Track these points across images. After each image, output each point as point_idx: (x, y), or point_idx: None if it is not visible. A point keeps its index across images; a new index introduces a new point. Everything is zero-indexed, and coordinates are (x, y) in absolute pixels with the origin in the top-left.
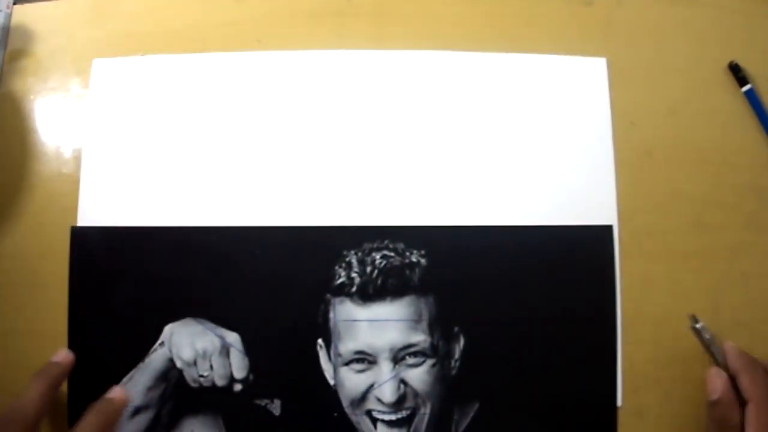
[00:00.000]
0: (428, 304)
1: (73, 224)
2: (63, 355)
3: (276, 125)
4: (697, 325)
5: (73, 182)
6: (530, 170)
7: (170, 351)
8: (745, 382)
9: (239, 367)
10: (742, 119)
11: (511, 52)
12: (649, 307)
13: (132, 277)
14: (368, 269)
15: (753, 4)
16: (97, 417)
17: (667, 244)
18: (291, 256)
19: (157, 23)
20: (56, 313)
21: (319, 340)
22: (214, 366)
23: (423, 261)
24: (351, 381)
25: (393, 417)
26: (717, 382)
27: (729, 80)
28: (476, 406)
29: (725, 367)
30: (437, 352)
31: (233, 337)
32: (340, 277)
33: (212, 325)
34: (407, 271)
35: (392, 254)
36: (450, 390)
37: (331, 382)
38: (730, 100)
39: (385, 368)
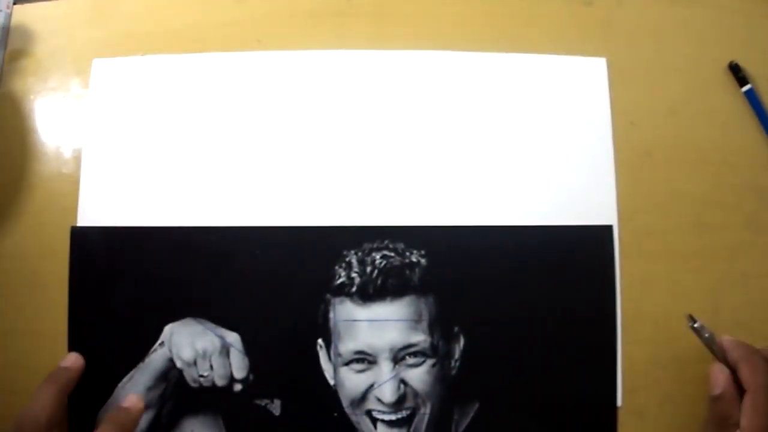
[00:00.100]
0: (428, 304)
1: (73, 224)
2: (72, 359)
3: (276, 125)
4: (695, 325)
5: (73, 182)
6: (530, 170)
7: (170, 351)
8: (745, 372)
9: (239, 367)
10: (742, 119)
11: (511, 52)
12: (649, 307)
13: (132, 277)
14: (368, 269)
15: (753, 4)
16: (113, 427)
17: (667, 244)
18: (291, 256)
19: (157, 23)
20: (56, 313)
21: (319, 340)
22: (214, 366)
23: (423, 261)
24: (351, 381)
25: (393, 417)
26: (719, 377)
27: (729, 80)
28: (476, 406)
29: (726, 363)
30: (437, 352)
31: (233, 337)
32: (340, 277)
33: (212, 325)
34: (407, 271)
35: (392, 254)
36: (450, 390)
37: (331, 382)
38: (730, 100)
39: (385, 368)
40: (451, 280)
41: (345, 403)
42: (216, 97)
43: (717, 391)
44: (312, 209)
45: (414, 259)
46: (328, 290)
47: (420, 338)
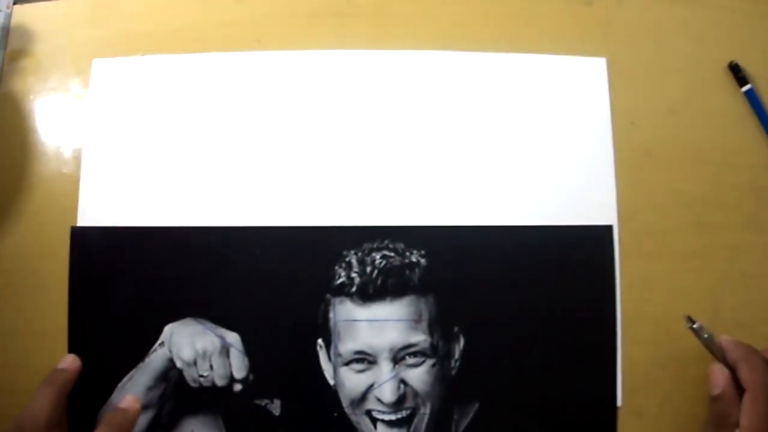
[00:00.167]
0: (428, 304)
1: (73, 224)
2: (69, 361)
3: (276, 125)
4: (694, 326)
5: (73, 182)
6: (530, 170)
7: (170, 351)
8: (744, 372)
9: (239, 367)
10: (742, 119)
11: (511, 52)
12: (649, 307)
13: (132, 277)
14: (368, 269)
15: (753, 4)
16: (111, 428)
17: (667, 244)
18: (291, 256)
19: (157, 23)
20: (56, 313)
21: (319, 340)
22: (214, 366)
23: (423, 261)
24: (351, 381)
25: (393, 417)
26: (719, 377)
27: (729, 80)
28: (476, 406)
29: (725, 363)
30: (437, 352)
31: (233, 337)
32: (340, 277)
33: (212, 325)
34: (407, 271)
35: (392, 254)
36: (450, 390)
37: (331, 382)
38: (730, 100)
39: (385, 368)
40: (451, 280)
41: (345, 403)
42: (216, 97)
43: (716, 391)
44: (312, 209)
45: (414, 259)
46: (328, 290)
47: (420, 338)
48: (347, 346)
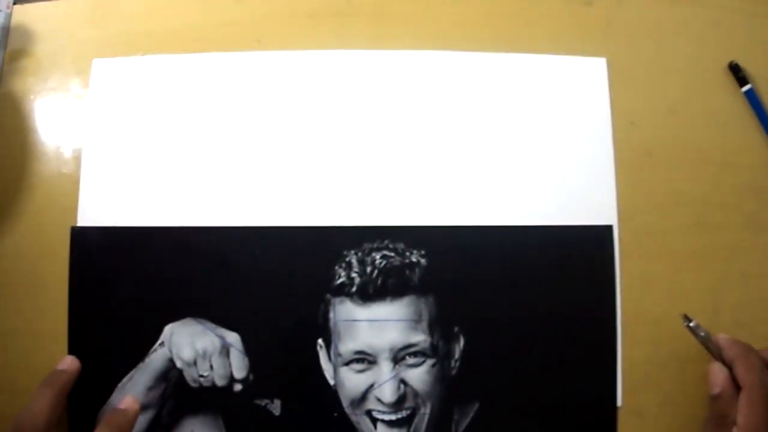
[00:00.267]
0: (428, 304)
1: (73, 224)
2: (68, 362)
3: (276, 125)
4: (691, 324)
5: (73, 182)
6: (530, 170)
7: (170, 351)
8: (741, 370)
9: (239, 367)
10: (742, 119)
11: (511, 52)
12: (649, 307)
13: (132, 277)
14: (368, 269)
15: (753, 4)
16: (110, 429)
17: (667, 244)
18: (291, 256)
19: (157, 23)
20: (56, 313)
21: (319, 340)
22: (214, 366)
23: (423, 261)
24: (351, 381)
25: (393, 417)
26: (718, 376)
27: (729, 80)
28: (476, 406)
29: (722, 361)
30: (437, 352)
31: (233, 337)
32: (340, 277)
33: (212, 325)
34: (407, 271)
35: (392, 254)
36: (450, 390)
37: (331, 382)
38: (730, 100)
39: (385, 368)
40: (451, 280)
41: (345, 403)
42: (216, 97)
43: (716, 390)
44: (312, 209)
45: (414, 259)
46: (328, 290)
47: (420, 338)
48: (347, 346)
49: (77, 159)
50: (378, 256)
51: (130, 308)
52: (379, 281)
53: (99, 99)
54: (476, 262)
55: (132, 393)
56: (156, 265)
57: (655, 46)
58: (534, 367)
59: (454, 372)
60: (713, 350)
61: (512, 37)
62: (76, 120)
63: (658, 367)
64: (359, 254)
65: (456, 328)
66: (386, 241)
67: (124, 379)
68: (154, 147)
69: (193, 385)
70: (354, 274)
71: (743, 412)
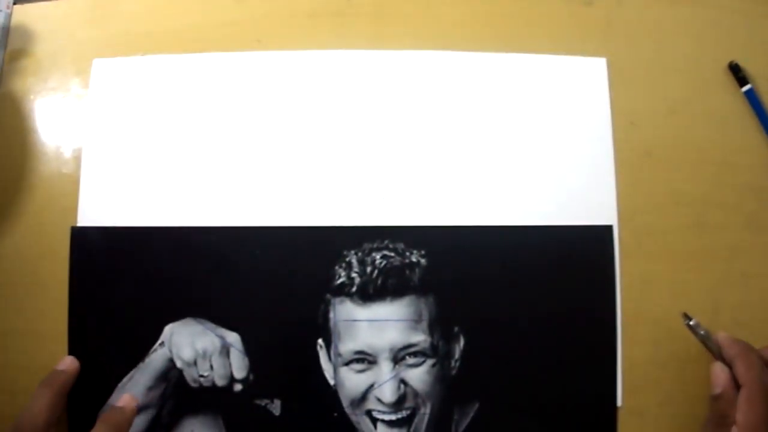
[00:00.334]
0: (428, 304)
1: (73, 224)
2: (68, 362)
3: (276, 125)
4: (691, 323)
5: (73, 182)
6: (530, 170)
7: (170, 351)
8: (741, 369)
9: (239, 367)
10: (742, 119)
11: (511, 52)
12: (649, 307)
13: (132, 277)
14: (368, 269)
15: (753, 4)
16: (108, 427)
17: (667, 244)
18: (291, 256)
19: (157, 23)
20: (56, 313)
21: (319, 340)
22: (214, 366)
23: (423, 261)
24: (351, 381)
25: (393, 417)
26: (720, 377)
27: (729, 80)
28: (476, 406)
29: (722, 360)
30: (437, 352)
31: (233, 337)
32: (340, 277)
33: (212, 325)
34: (407, 271)
35: (392, 254)
36: (450, 390)
37: (331, 382)
38: (730, 100)
39: (385, 368)
40: (451, 280)
41: (345, 403)
42: (216, 97)
43: (717, 390)
44: (312, 209)
45: (414, 259)
46: (328, 290)
47: (420, 338)
48: (347, 346)
49: (77, 159)
50: (378, 256)
51: (130, 308)
52: (379, 281)
53: (99, 99)
54: (476, 262)
55: (132, 393)
56: (156, 265)
57: (655, 46)
58: (534, 367)
59: (454, 372)
60: (713, 349)
61: (512, 37)
62: (76, 120)
63: (658, 367)
64: (359, 254)
65: (456, 328)
66: (386, 241)
67: (124, 379)
68: (154, 147)
69: (193, 385)
70: (354, 274)
71: (743, 410)
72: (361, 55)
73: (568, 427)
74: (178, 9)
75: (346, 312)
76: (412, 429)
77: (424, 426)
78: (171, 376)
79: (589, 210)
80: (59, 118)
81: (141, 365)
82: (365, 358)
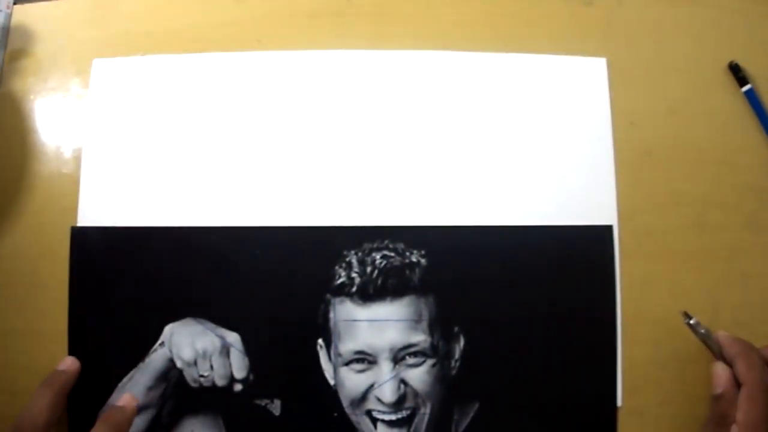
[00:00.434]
0: (428, 304)
1: (73, 224)
2: (68, 363)
3: (276, 125)
4: (691, 321)
5: (73, 182)
6: (530, 170)
7: (170, 351)
8: (742, 368)
9: (239, 367)
10: (742, 119)
11: (511, 52)
12: (649, 307)
13: (132, 277)
14: (368, 269)
15: (753, 4)
16: (108, 426)
17: (667, 244)
18: (291, 256)
19: (157, 23)
20: (56, 313)
21: (319, 340)
22: (214, 366)
23: (423, 261)
24: (351, 381)
25: (393, 417)
26: (722, 376)
27: (729, 80)
28: (476, 406)
29: (723, 359)
30: (437, 352)
31: (233, 337)
32: (340, 277)
33: (212, 325)
34: (407, 271)
35: (392, 254)
36: (450, 390)
37: (331, 382)
38: (730, 100)
39: (385, 368)
40: (451, 280)
41: (345, 403)
42: (216, 97)
43: (718, 390)
44: (312, 209)
45: (414, 259)
46: (328, 290)
47: (420, 338)
48: (347, 346)
49: (77, 159)
50: (378, 256)
51: (130, 308)
52: (379, 281)
53: (99, 99)
54: (476, 262)
55: (132, 393)
56: (156, 265)
57: (655, 46)
58: (534, 367)
59: (454, 372)
60: (713, 347)
61: (512, 37)
62: (76, 120)
63: (658, 367)
64: (359, 254)
65: (456, 328)
66: (386, 241)
67: (124, 379)
68: (154, 147)
69: (193, 385)
70: (354, 274)
71: (743, 408)
72: (361, 55)
73: (568, 427)
74: (178, 9)
75: (346, 312)
76: (412, 429)
77: (424, 426)
78: (171, 376)
79: (589, 210)
80: (59, 118)
81: (141, 365)
82: (365, 358)
